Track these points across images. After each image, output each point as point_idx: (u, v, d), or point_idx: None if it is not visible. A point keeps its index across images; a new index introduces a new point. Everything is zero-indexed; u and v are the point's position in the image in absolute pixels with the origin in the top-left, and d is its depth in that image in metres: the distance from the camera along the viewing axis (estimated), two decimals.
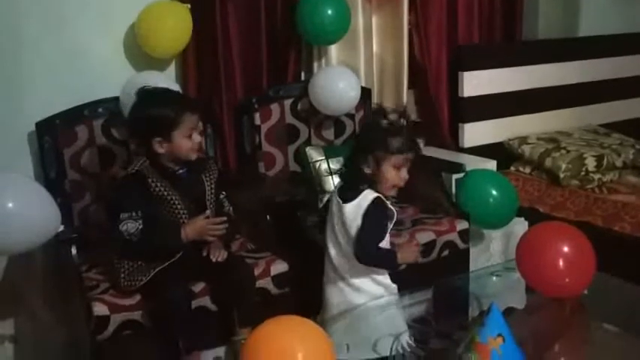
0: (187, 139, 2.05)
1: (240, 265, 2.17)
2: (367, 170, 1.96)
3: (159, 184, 2.05)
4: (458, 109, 3.35)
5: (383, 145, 1.93)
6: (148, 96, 2.08)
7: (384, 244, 1.99)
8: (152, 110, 2.05)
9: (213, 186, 2.17)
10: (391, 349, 1.74)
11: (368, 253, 1.95)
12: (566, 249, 1.86)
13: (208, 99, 2.72)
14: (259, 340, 1.38)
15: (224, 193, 2.25)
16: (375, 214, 1.94)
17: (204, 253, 2.12)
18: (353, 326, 1.94)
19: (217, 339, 2.05)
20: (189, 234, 2.04)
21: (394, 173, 1.95)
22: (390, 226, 2.00)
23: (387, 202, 1.98)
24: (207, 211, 2.11)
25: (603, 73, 3.72)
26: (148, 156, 2.07)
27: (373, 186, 1.97)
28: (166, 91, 2.13)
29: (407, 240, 2.07)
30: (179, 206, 2.07)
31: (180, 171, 2.10)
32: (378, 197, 1.95)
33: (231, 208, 2.25)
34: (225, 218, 2.12)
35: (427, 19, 3.21)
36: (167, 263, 2.04)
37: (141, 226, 1.99)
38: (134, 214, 2.00)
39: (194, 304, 2.05)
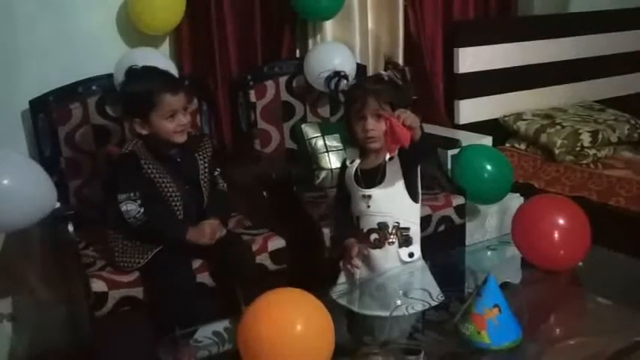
0: (168, 121, 1.98)
1: (238, 242, 2.18)
2: (351, 131, 1.95)
3: (151, 166, 2.03)
4: (453, 85, 3.34)
5: (346, 99, 1.91)
6: (130, 75, 2.04)
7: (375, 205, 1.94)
8: (129, 90, 2.02)
9: (207, 164, 2.15)
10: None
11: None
12: (561, 221, 1.87)
13: (203, 75, 2.71)
14: (259, 312, 1.39)
15: (218, 170, 2.22)
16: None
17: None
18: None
19: (216, 314, 2.06)
20: (192, 238, 2.03)
21: (357, 125, 1.92)
22: (355, 186, 1.95)
23: (348, 162, 1.98)
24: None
25: (599, 49, 3.71)
26: (139, 136, 2.04)
27: (353, 143, 1.97)
28: (149, 70, 2.06)
29: (357, 251, 1.95)
30: (171, 189, 2.05)
31: (173, 151, 2.07)
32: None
33: (225, 185, 2.24)
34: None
35: None
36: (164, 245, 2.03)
37: (142, 209, 1.98)
38: (132, 194, 1.98)
39: None
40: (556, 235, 1.86)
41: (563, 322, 1.85)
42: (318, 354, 1.40)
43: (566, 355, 1.64)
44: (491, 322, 1.53)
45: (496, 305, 1.54)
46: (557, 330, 1.83)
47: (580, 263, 1.95)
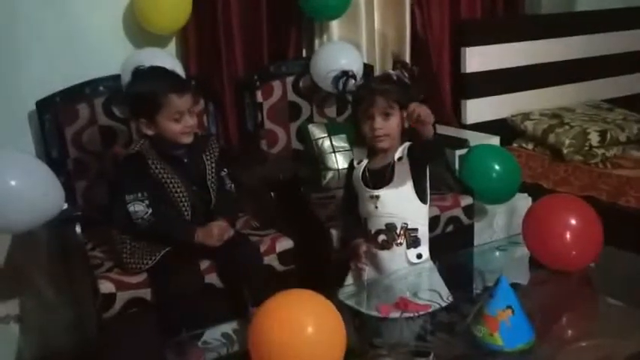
0: (174, 123, 1.97)
1: (246, 242, 2.16)
2: (359, 131, 1.98)
3: (158, 166, 2.01)
4: (460, 85, 3.32)
5: (354, 98, 1.96)
6: (136, 75, 2.03)
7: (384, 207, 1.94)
8: (135, 91, 2.02)
9: (214, 165, 2.14)
10: None
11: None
12: (573, 221, 1.85)
13: (209, 75, 2.70)
14: (270, 313, 1.38)
15: (225, 170, 2.21)
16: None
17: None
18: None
19: (224, 316, 2.05)
20: (200, 239, 2.02)
21: (365, 125, 1.95)
22: (363, 187, 1.97)
23: (355, 162, 2.02)
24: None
25: (607, 48, 3.69)
26: (146, 136, 2.03)
27: (361, 143, 2.01)
28: (155, 71, 2.05)
29: (365, 249, 1.98)
30: (179, 190, 2.04)
31: (180, 152, 2.06)
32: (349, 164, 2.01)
33: (232, 186, 2.22)
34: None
35: None
36: (172, 246, 2.02)
37: (150, 210, 1.97)
38: (139, 195, 1.97)
39: None
40: (568, 235, 1.85)
41: (575, 324, 1.84)
42: (329, 356, 1.38)
43: (578, 357, 1.62)
44: (504, 324, 1.51)
45: (509, 306, 1.52)
46: (569, 332, 1.81)
47: (592, 264, 1.93)
